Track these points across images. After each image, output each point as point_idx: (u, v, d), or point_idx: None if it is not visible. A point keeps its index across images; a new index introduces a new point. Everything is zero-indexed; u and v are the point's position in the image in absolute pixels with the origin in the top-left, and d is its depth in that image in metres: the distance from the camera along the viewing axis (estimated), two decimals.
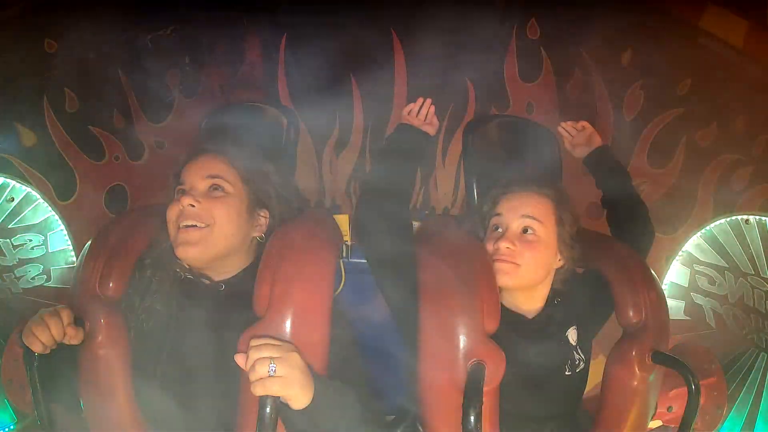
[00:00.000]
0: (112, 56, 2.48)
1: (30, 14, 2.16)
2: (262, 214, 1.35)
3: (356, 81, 2.96)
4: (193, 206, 1.24)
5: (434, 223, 1.56)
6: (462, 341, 1.16)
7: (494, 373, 1.15)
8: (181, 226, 1.23)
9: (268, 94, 2.99)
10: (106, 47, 2.45)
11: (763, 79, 2.18)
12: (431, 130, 1.60)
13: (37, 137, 2.28)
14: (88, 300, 1.25)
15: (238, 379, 1.14)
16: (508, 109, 2.97)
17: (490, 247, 1.37)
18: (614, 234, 1.68)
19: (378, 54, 2.90)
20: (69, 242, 2.30)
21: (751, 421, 2.06)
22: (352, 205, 3.04)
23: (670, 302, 2.37)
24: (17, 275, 2.22)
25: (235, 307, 1.23)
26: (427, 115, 1.58)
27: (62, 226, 2.30)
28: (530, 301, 1.42)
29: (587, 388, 1.50)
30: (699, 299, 2.34)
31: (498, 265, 1.33)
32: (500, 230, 1.38)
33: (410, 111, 1.59)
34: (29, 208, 2.23)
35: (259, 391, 0.95)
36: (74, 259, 2.30)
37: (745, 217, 2.18)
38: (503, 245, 1.33)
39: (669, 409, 1.85)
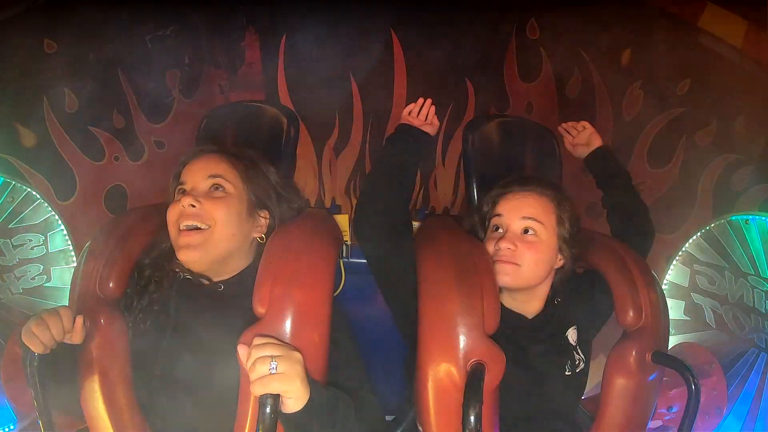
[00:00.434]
0: (112, 56, 2.48)
1: (30, 14, 2.16)
2: (262, 214, 1.35)
3: (356, 81, 2.96)
4: (194, 206, 1.23)
5: (434, 223, 1.56)
6: (462, 341, 1.16)
7: (494, 373, 1.15)
8: (181, 227, 1.23)
9: (268, 94, 2.99)
10: (106, 47, 2.45)
11: (763, 79, 2.18)
12: (431, 131, 1.60)
13: (37, 137, 2.28)
14: (87, 300, 1.25)
15: (237, 379, 1.14)
16: (508, 109, 2.97)
17: (490, 247, 1.37)
18: (614, 234, 1.68)
19: (378, 54, 2.90)
20: (69, 242, 2.30)
21: (751, 421, 2.06)
22: (352, 205, 3.04)
23: (670, 302, 2.38)
24: (17, 275, 2.22)
25: (234, 307, 1.23)
26: (427, 115, 1.58)
27: (62, 226, 2.30)
28: (530, 302, 1.42)
29: (587, 388, 1.50)
30: (699, 299, 2.34)
31: (499, 266, 1.34)
32: (501, 231, 1.38)
33: (410, 111, 1.59)
34: (29, 208, 2.23)
35: (258, 390, 0.95)
36: (74, 259, 2.30)
37: (745, 217, 2.17)
38: (504, 246, 1.33)
39: (669, 409, 1.86)
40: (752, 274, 2.11)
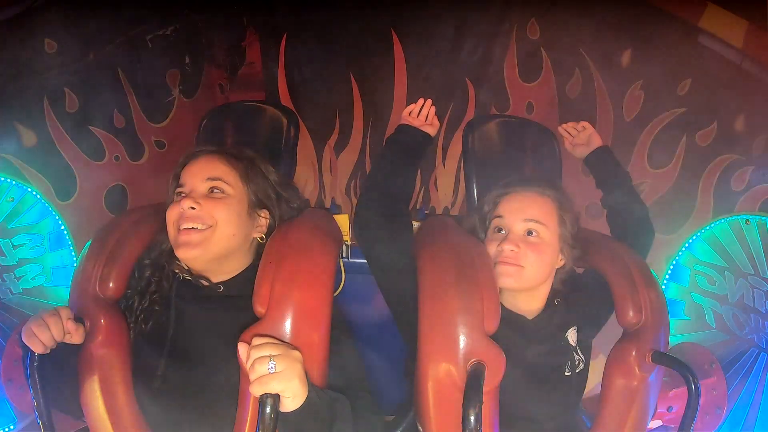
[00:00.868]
0: (112, 55, 2.48)
1: (30, 14, 2.16)
2: (262, 214, 1.35)
3: (356, 81, 2.97)
4: (194, 208, 1.23)
5: (434, 223, 1.56)
6: (462, 341, 1.16)
7: (494, 373, 1.15)
8: (181, 228, 1.23)
9: (268, 94, 3.00)
10: (106, 47, 2.45)
11: (763, 79, 2.18)
12: (432, 131, 1.60)
13: (37, 137, 2.28)
14: (88, 300, 1.25)
15: (237, 379, 1.14)
16: (508, 109, 2.97)
17: (492, 248, 1.36)
18: (614, 234, 1.68)
19: (378, 54, 2.90)
20: (69, 242, 2.30)
21: (751, 421, 2.06)
22: (352, 205, 3.04)
23: (670, 302, 2.38)
24: (17, 275, 2.22)
25: (234, 308, 1.23)
26: (427, 115, 1.58)
27: (62, 226, 2.30)
28: (531, 302, 1.42)
29: (587, 388, 1.50)
30: (699, 299, 2.34)
31: (502, 268, 1.33)
32: (503, 232, 1.38)
33: (411, 112, 1.59)
34: (29, 208, 2.23)
35: (257, 390, 0.95)
36: (74, 259, 2.30)
37: (745, 217, 2.18)
38: (507, 248, 1.33)
39: (669, 409, 1.85)
40: (752, 274, 2.11)
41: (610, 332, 1.50)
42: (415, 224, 1.55)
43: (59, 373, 1.18)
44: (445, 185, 3.16)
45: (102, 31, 2.41)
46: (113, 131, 2.53)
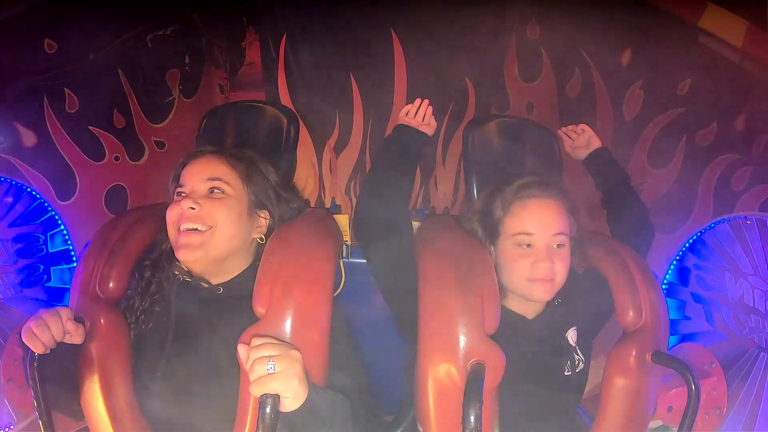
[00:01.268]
0: (112, 55, 2.48)
1: (30, 14, 2.16)
2: (262, 215, 1.35)
3: (356, 81, 2.96)
4: (194, 209, 1.23)
5: (434, 223, 1.56)
6: (462, 341, 1.16)
7: (494, 373, 1.15)
8: (182, 229, 1.23)
9: (268, 94, 2.99)
10: (106, 47, 2.45)
11: (763, 79, 2.18)
12: (429, 131, 1.60)
13: (37, 137, 2.28)
14: (88, 300, 1.25)
15: (237, 380, 1.14)
16: (508, 109, 2.97)
17: (522, 265, 1.33)
18: (614, 234, 1.69)
19: (378, 54, 2.90)
20: (69, 242, 2.30)
21: (751, 421, 2.06)
22: (352, 205, 3.04)
23: (670, 302, 2.38)
24: (17, 275, 2.22)
25: (234, 309, 1.23)
26: (424, 115, 1.59)
27: (62, 226, 2.30)
28: (531, 302, 1.41)
29: (587, 388, 1.50)
30: (699, 299, 2.34)
31: (537, 284, 1.32)
32: (531, 247, 1.34)
33: (408, 112, 1.59)
34: (29, 208, 2.23)
35: (256, 391, 0.95)
36: (74, 259, 2.30)
37: (745, 217, 2.17)
38: (545, 266, 1.31)
39: (669, 409, 1.85)
40: (752, 274, 2.11)
41: (610, 332, 1.50)
42: (415, 224, 1.55)
43: (59, 373, 1.18)
44: (445, 185, 3.16)
45: (102, 31, 2.41)
46: (113, 131, 2.53)
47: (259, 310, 1.14)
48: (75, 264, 2.28)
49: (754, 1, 2.14)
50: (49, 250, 2.28)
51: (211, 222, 1.23)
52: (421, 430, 1.26)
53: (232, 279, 1.30)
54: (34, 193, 2.23)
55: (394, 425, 1.58)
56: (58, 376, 1.19)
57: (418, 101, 1.59)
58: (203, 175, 1.28)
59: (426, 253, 1.35)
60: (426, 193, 3.15)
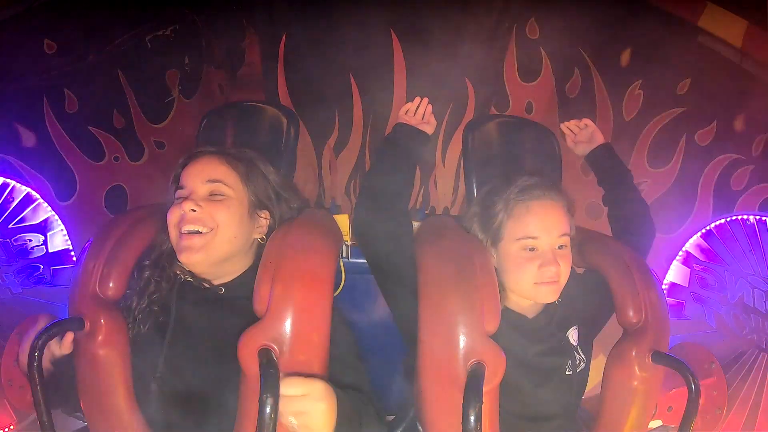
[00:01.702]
0: (111, 56, 2.48)
1: (30, 14, 2.16)
2: (262, 215, 1.34)
3: (356, 81, 2.96)
4: (195, 210, 1.23)
5: (434, 223, 1.56)
6: (462, 341, 1.16)
7: (494, 373, 1.15)
8: (183, 231, 1.23)
9: (268, 94, 2.99)
10: (106, 47, 2.45)
11: (763, 78, 2.18)
12: (429, 129, 1.60)
13: (37, 137, 2.28)
14: (88, 300, 1.25)
15: (238, 381, 1.14)
16: (508, 109, 2.97)
17: (528, 269, 1.33)
18: (615, 233, 1.68)
19: (378, 54, 2.90)
20: (69, 242, 2.30)
21: (751, 421, 2.06)
22: (352, 205, 3.04)
23: (670, 302, 2.38)
24: (17, 275, 2.22)
25: (235, 310, 1.23)
26: (424, 114, 1.58)
27: (62, 226, 2.30)
28: (532, 301, 1.41)
29: (587, 388, 1.50)
30: (699, 299, 2.34)
31: (544, 287, 1.32)
32: (536, 251, 1.33)
33: (407, 111, 1.59)
34: (29, 208, 2.23)
35: None
36: (74, 259, 2.30)
37: (745, 217, 2.18)
38: (552, 270, 1.31)
39: (669, 409, 1.85)
40: (752, 274, 2.11)
41: (610, 332, 1.50)
42: (415, 224, 1.55)
43: (59, 373, 1.19)
44: (445, 185, 3.15)
45: (102, 31, 2.41)
46: (113, 131, 2.53)
47: (259, 309, 1.14)
48: (75, 264, 2.28)
49: (753, 1, 2.14)
50: (49, 250, 2.28)
51: (212, 224, 1.23)
52: (421, 430, 1.26)
53: (233, 279, 1.30)
54: (34, 193, 2.24)
55: (394, 425, 1.58)
56: (59, 377, 1.19)
57: (417, 100, 1.59)
58: (203, 176, 1.28)
59: (426, 253, 1.35)
60: (426, 193, 3.15)
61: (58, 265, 2.30)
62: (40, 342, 1.13)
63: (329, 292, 1.19)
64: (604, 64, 2.69)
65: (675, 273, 2.43)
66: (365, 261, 1.46)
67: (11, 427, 2.01)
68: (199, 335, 1.25)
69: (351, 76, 2.96)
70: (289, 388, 0.97)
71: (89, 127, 2.45)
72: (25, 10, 2.15)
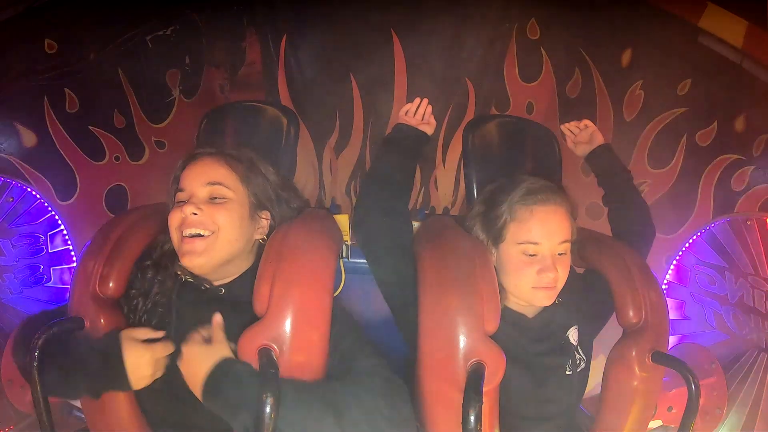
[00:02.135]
0: (112, 56, 2.48)
1: (30, 14, 2.16)
2: (263, 216, 1.34)
3: (356, 81, 2.96)
4: (196, 214, 1.23)
5: (434, 223, 1.56)
6: (462, 341, 1.16)
7: (494, 373, 1.15)
8: (185, 234, 1.23)
9: (268, 94, 2.99)
10: (106, 47, 2.45)
11: (763, 79, 2.18)
12: (429, 130, 1.60)
13: (37, 137, 2.28)
14: (87, 299, 1.25)
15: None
16: (508, 109, 2.97)
17: (527, 274, 1.33)
18: (615, 233, 1.68)
19: (378, 54, 2.90)
20: (69, 242, 2.31)
21: (751, 421, 2.06)
22: (352, 205, 3.03)
23: (670, 302, 2.38)
24: (17, 275, 2.22)
25: (236, 310, 1.23)
26: (424, 114, 1.59)
27: (62, 226, 2.30)
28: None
29: (587, 388, 1.50)
30: (699, 299, 2.34)
31: (541, 292, 1.33)
32: (537, 256, 1.33)
33: (407, 111, 1.59)
34: (29, 208, 2.23)
35: None
36: (74, 259, 2.30)
37: (745, 217, 2.17)
38: (550, 276, 1.31)
39: (669, 409, 1.85)
40: (752, 274, 2.11)
41: (610, 332, 1.50)
42: (415, 224, 1.55)
43: (59, 373, 1.18)
44: (445, 185, 3.15)
45: (102, 31, 2.41)
46: (113, 131, 2.53)
47: (259, 309, 1.14)
48: (75, 264, 2.28)
49: (754, 1, 2.14)
50: (49, 250, 2.28)
51: (213, 227, 1.23)
52: (421, 430, 1.26)
53: (233, 280, 1.30)
54: (34, 193, 2.24)
55: None
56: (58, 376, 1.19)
57: (417, 100, 1.59)
58: (203, 179, 1.28)
59: (426, 253, 1.35)
60: (426, 193, 3.15)
61: (58, 265, 2.30)
62: (40, 342, 1.13)
63: (329, 292, 1.19)
64: (605, 64, 2.69)
65: (675, 273, 2.43)
66: (365, 261, 1.46)
67: (11, 427, 2.01)
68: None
69: (351, 76, 2.96)
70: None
71: (90, 127, 2.45)
72: (25, 10, 2.15)
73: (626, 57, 2.62)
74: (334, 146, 3.08)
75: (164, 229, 1.29)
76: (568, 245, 1.36)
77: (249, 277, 1.26)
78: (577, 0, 2.57)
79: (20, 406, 1.96)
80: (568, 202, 1.39)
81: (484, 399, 1.09)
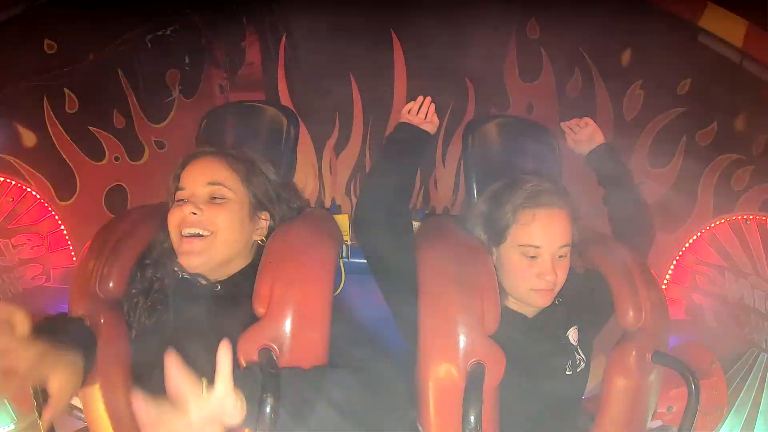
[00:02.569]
0: (111, 56, 2.48)
1: (30, 14, 2.16)
2: (262, 216, 1.34)
3: (356, 81, 2.97)
4: (195, 213, 1.23)
5: (434, 223, 1.56)
6: (462, 341, 1.16)
7: (494, 373, 1.15)
8: (184, 234, 1.23)
9: (268, 94, 2.99)
10: (106, 47, 2.45)
11: (763, 78, 2.18)
12: (431, 129, 1.60)
13: (37, 137, 2.28)
14: (87, 300, 1.25)
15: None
16: (508, 109, 2.97)
17: (527, 275, 1.33)
18: (615, 233, 1.68)
19: (378, 54, 2.90)
20: (69, 242, 2.30)
21: (751, 421, 2.06)
22: (352, 205, 3.04)
23: (670, 302, 2.38)
24: (17, 275, 2.22)
25: (232, 307, 1.23)
26: (427, 113, 1.58)
27: (62, 226, 2.30)
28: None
29: (587, 388, 1.50)
30: (699, 299, 2.34)
31: (540, 294, 1.33)
32: (537, 259, 1.33)
33: (410, 110, 1.59)
34: (29, 208, 2.23)
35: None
36: (74, 259, 2.30)
37: (745, 217, 2.17)
38: (549, 279, 1.31)
39: (669, 409, 1.85)
40: (752, 274, 2.11)
41: (610, 332, 1.50)
42: (415, 224, 1.55)
43: None
44: (445, 185, 3.15)
45: (102, 31, 2.41)
46: (113, 131, 2.53)
47: (259, 310, 1.14)
48: (75, 264, 2.28)
49: (754, 1, 2.14)
50: (49, 250, 2.28)
51: (212, 227, 1.23)
52: (421, 430, 1.26)
53: (231, 276, 1.30)
54: (34, 193, 2.24)
55: None
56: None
57: (420, 99, 1.59)
58: (203, 178, 1.28)
59: (426, 253, 1.35)
60: (426, 193, 3.15)
61: (58, 265, 2.30)
62: None
63: (329, 292, 1.19)
64: (605, 64, 2.69)
65: (675, 273, 2.43)
66: (365, 261, 1.46)
67: (11, 426, 2.01)
68: (197, 331, 1.25)
69: (351, 76, 2.96)
70: None
71: (89, 127, 2.45)
72: (25, 10, 2.15)
73: (626, 57, 2.62)
74: (334, 146, 3.08)
75: (164, 228, 1.30)
76: (568, 249, 1.36)
77: (246, 274, 1.26)
78: (577, 0, 2.57)
79: (20, 406, 1.96)
80: (571, 205, 1.39)
81: (484, 399, 1.09)
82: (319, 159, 3.09)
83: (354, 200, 3.12)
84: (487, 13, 2.84)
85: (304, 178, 3.04)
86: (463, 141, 1.76)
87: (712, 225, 2.30)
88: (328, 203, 3.11)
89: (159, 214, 1.34)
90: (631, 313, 1.37)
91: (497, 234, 1.38)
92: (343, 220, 2.07)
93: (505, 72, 2.94)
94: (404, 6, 2.79)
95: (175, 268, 1.31)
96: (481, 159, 1.73)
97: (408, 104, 1.59)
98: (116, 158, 2.55)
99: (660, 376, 1.41)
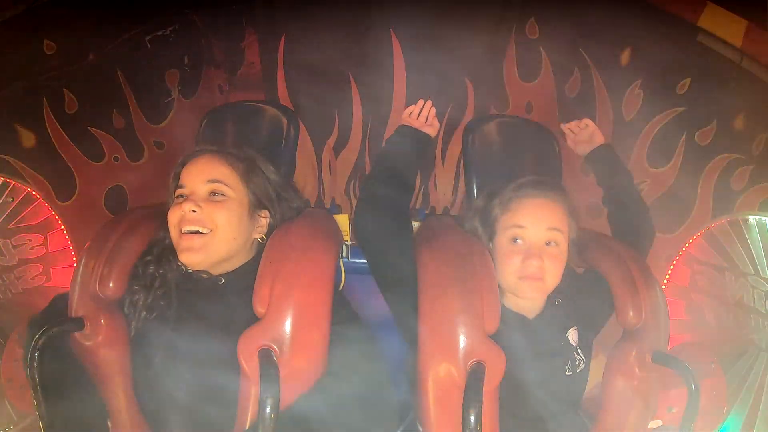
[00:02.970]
0: (111, 56, 2.47)
1: (30, 14, 2.16)
2: (262, 215, 1.35)
3: (356, 81, 2.97)
4: (195, 211, 1.24)
5: (434, 223, 1.56)
6: (462, 341, 1.16)
7: (494, 373, 1.15)
8: (183, 231, 1.23)
9: (267, 94, 2.99)
10: (106, 47, 2.45)
11: (763, 78, 2.18)
12: (432, 132, 1.60)
13: (37, 138, 2.28)
14: (88, 300, 1.25)
15: (237, 372, 1.14)
16: (508, 109, 2.97)
17: (512, 261, 1.33)
18: (614, 233, 1.68)
19: (377, 54, 2.90)
20: (69, 242, 2.30)
21: (751, 421, 2.06)
22: (352, 205, 3.04)
23: (670, 302, 2.38)
24: (17, 275, 2.22)
25: (234, 300, 1.24)
26: (427, 116, 1.59)
27: (62, 226, 2.30)
28: (531, 301, 1.41)
29: (587, 388, 1.50)
30: (699, 299, 2.34)
31: (526, 283, 1.32)
32: (521, 243, 1.33)
33: (411, 113, 1.59)
34: (29, 208, 2.23)
35: None
36: (74, 259, 2.30)
37: (745, 217, 2.17)
38: (534, 264, 1.30)
39: (669, 409, 1.85)
40: (752, 274, 2.11)
41: (610, 332, 1.50)
42: (415, 224, 1.55)
43: (59, 372, 1.19)
44: (444, 185, 3.16)
45: (102, 31, 2.41)
46: (113, 132, 2.53)
47: (259, 309, 1.14)
48: (75, 264, 2.28)
49: (754, 1, 2.14)
50: (49, 250, 2.28)
51: (212, 225, 1.24)
52: (421, 430, 1.26)
53: (233, 270, 1.31)
54: (33, 193, 2.23)
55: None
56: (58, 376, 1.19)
57: (420, 102, 1.59)
58: (203, 176, 1.28)
59: (426, 253, 1.35)
60: (425, 193, 3.15)
61: (57, 265, 2.30)
62: (40, 342, 1.13)
63: (329, 292, 1.19)
64: (604, 64, 2.68)
65: (675, 273, 2.43)
66: (365, 261, 1.46)
67: (11, 426, 2.01)
68: (199, 325, 1.25)
69: (351, 76, 2.96)
70: None
71: (89, 127, 2.45)
72: (25, 10, 2.14)
73: (625, 56, 2.62)
74: (334, 146, 3.08)
75: (164, 227, 1.30)
76: (559, 235, 1.34)
77: (248, 269, 1.27)
78: (577, 0, 2.57)
79: (20, 406, 1.96)
80: (565, 198, 1.39)
81: (484, 399, 1.09)
82: (319, 159, 3.09)
83: (354, 200, 3.12)
84: (487, 13, 2.84)
85: (304, 178, 3.05)
86: (463, 141, 1.76)
87: (712, 225, 2.30)
88: (327, 203, 3.11)
89: (158, 214, 1.35)
90: (631, 313, 1.38)
91: (490, 227, 1.40)
92: (343, 220, 2.07)
93: (505, 72, 2.94)
94: (404, 6, 2.79)
95: (178, 263, 1.31)
96: (481, 159, 1.73)
97: (409, 107, 1.60)
98: (116, 158, 2.55)
99: (660, 376, 1.41)
